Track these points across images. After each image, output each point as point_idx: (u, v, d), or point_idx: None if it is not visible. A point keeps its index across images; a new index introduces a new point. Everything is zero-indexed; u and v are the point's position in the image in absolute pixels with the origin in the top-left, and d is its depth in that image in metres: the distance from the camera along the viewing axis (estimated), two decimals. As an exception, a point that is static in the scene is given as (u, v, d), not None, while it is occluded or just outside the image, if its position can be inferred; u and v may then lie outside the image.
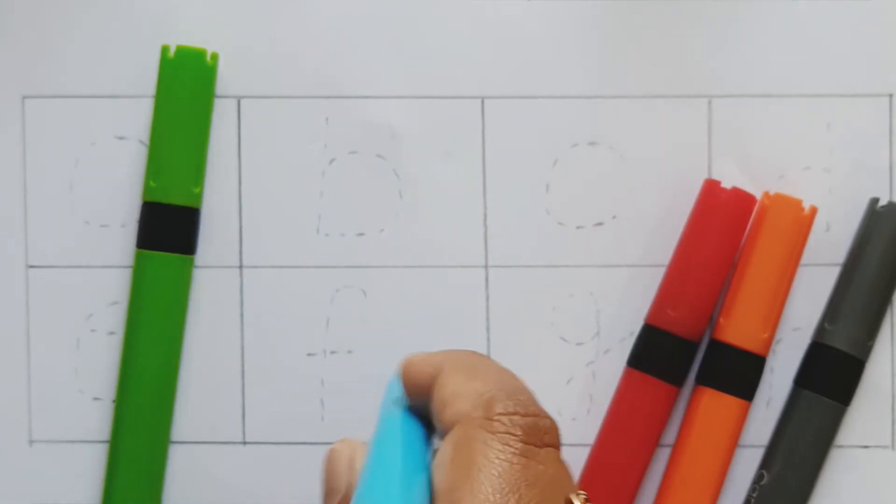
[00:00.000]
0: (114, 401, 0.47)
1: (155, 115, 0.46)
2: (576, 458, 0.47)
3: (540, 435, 0.32)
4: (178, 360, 0.47)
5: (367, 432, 0.47)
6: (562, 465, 0.32)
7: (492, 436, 0.32)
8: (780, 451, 0.45)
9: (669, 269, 0.46)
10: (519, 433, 0.32)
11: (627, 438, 0.46)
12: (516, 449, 0.32)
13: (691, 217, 0.46)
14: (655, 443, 0.46)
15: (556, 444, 0.33)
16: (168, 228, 0.46)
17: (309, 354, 0.47)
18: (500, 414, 0.33)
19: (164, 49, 0.46)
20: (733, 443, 0.46)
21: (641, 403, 0.45)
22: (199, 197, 0.47)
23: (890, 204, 0.45)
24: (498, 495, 0.31)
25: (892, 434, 0.47)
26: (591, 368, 0.47)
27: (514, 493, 0.31)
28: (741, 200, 0.45)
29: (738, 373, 0.45)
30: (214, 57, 0.47)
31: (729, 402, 0.45)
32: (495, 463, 0.32)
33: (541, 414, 0.33)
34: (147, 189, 0.46)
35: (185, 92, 0.46)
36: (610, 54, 0.47)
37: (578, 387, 0.47)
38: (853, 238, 0.46)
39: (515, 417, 0.32)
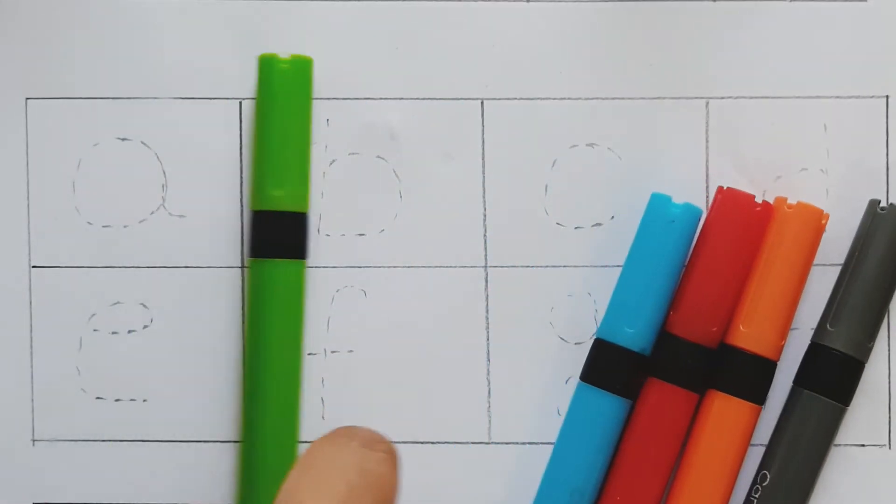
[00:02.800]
0: (242, 406, 0.47)
1: (258, 124, 0.47)
2: (574, 458, 0.47)
3: (374, 443, 0.37)
4: (300, 362, 0.47)
5: (367, 431, 0.48)
6: (393, 469, 0.36)
7: (330, 442, 0.36)
8: (780, 450, 0.46)
9: (687, 278, 0.46)
10: (355, 440, 0.36)
11: (652, 449, 0.46)
12: (352, 448, 0.36)
13: (707, 224, 0.46)
14: (678, 450, 0.46)
15: (391, 452, 0.37)
16: (280, 235, 0.47)
17: (309, 354, 0.48)
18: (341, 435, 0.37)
19: (264, 59, 0.47)
20: (744, 446, 0.46)
21: (664, 413, 0.45)
22: (306, 201, 0.47)
23: (891, 206, 0.45)
24: (329, 480, 0.35)
25: (889, 433, 0.47)
26: (589, 368, 0.47)
27: (343, 478, 0.35)
28: (759, 209, 0.45)
29: (752, 377, 0.45)
30: (310, 62, 0.47)
31: (741, 406, 0.45)
32: (330, 455, 0.36)
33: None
34: (257, 197, 0.47)
35: (287, 100, 0.47)
36: (608, 56, 0.47)
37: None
38: (853, 240, 0.46)
39: (355, 433, 0.37)
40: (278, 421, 0.46)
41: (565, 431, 0.46)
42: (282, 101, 0.47)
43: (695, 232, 0.46)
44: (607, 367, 0.45)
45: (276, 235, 0.46)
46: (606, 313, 0.46)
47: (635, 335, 0.45)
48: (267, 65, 0.47)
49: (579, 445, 0.46)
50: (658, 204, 0.45)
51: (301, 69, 0.47)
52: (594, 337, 0.46)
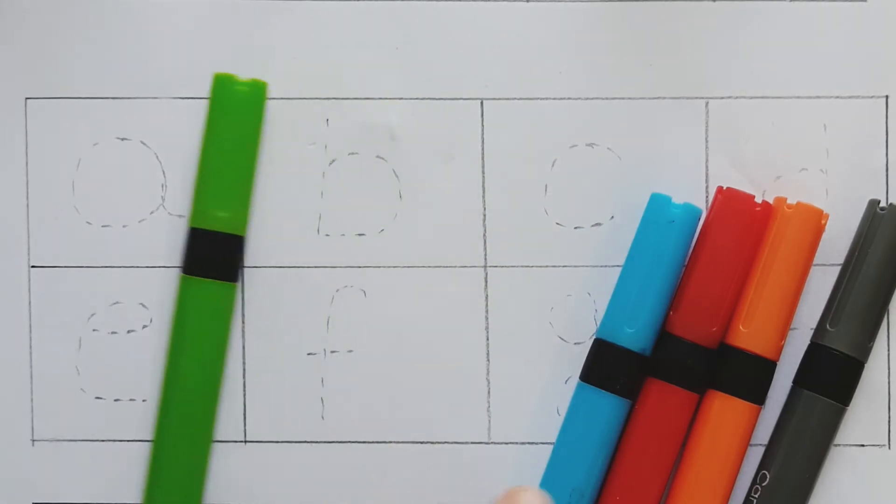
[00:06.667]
0: (158, 406, 0.48)
1: (205, 144, 0.47)
2: (574, 458, 0.47)
3: None
4: (221, 378, 0.47)
5: (367, 431, 0.48)
6: None
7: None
8: (780, 450, 0.46)
9: (687, 278, 0.46)
10: None
11: (650, 448, 0.46)
12: None
13: (707, 224, 0.46)
14: (678, 450, 0.46)
15: None
16: (216, 256, 0.47)
17: (309, 354, 0.48)
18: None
19: (217, 78, 0.47)
20: (744, 446, 0.46)
21: (663, 413, 0.46)
22: (243, 225, 0.47)
23: (891, 206, 0.45)
24: None
25: (889, 433, 0.47)
26: (589, 368, 0.47)
27: None
28: (759, 209, 0.45)
29: (752, 377, 0.45)
30: (264, 86, 0.47)
31: (741, 406, 0.45)
32: None
33: None
34: (194, 215, 0.47)
35: (235, 121, 0.47)
36: (608, 56, 0.47)
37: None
38: (853, 240, 0.46)
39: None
40: (190, 431, 0.47)
41: (565, 431, 0.46)
42: (234, 122, 0.47)
43: (694, 232, 0.46)
44: (607, 367, 0.45)
45: (212, 255, 0.47)
46: (606, 313, 0.46)
47: (635, 335, 0.45)
48: (222, 84, 0.47)
49: (579, 445, 0.46)
50: (658, 204, 0.45)
51: (256, 93, 0.47)
52: (594, 337, 0.46)
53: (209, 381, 0.47)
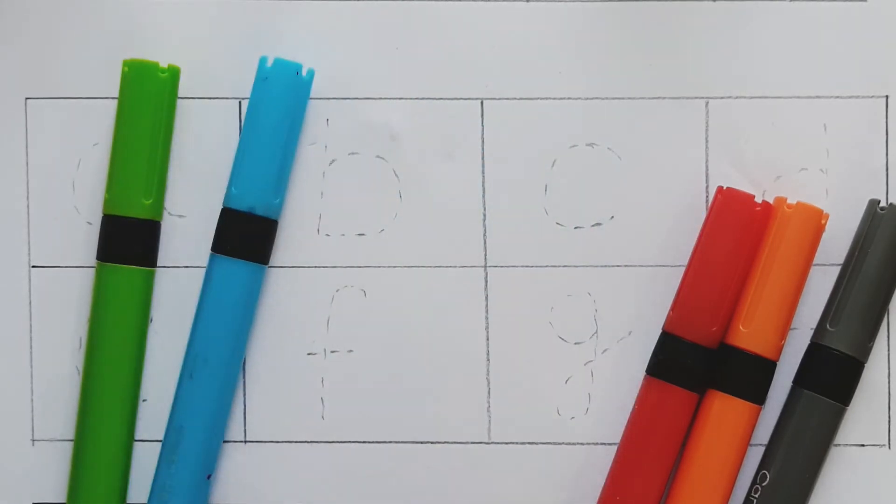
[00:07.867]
0: (77, 405, 0.47)
1: (116, 128, 0.47)
2: (575, 458, 0.47)
3: None
4: (142, 368, 0.47)
5: (367, 431, 0.48)
6: None
7: None
8: (780, 450, 0.46)
9: (687, 278, 0.46)
10: None
11: (650, 448, 0.46)
12: None
13: (707, 224, 0.46)
14: (677, 450, 0.46)
15: None
16: (126, 241, 0.46)
17: (309, 354, 0.48)
18: None
19: (124, 63, 0.46)
20: (744, 446, 0.46)
21: (663, 413, 0.45)
22: (155, 209, 0.47)
23: (891, 206, 0.45)
24: None
25: (889, 433, 0.47)
26: (589, 368, 0.47)
27: None
28: (759, 209, 0.45)
29: (752, 377, 0.45)
30: (173, 70, 0.46)
31: (741, 406, 0.45)
32: None
33: None
34: (105, 202, 0.47)
35: (143, 106, 0.46)
36: (608, 56, 0.47)
37: (577, 386, 0.47)
38: (853, 240, 0.46)
39: None
40: (109, 424, 0.47)
41: (203, 305, 0.47)
42: (130, 106, 0.46)
43: (301, 89, 0.47)
44: (239, 234, 0.46)
45: (130, 242, 0.46)
46: (230, 183, 0.46)
47: (257, 199, 0.46)
48: (134, 70, 0.46)
49: (217, 317, 0.46)
50: (260, 67, 0.46)
51: (154, 75, 0.46)
52: (222, 206, 0.47)
53: (129, 371, 0.47)
